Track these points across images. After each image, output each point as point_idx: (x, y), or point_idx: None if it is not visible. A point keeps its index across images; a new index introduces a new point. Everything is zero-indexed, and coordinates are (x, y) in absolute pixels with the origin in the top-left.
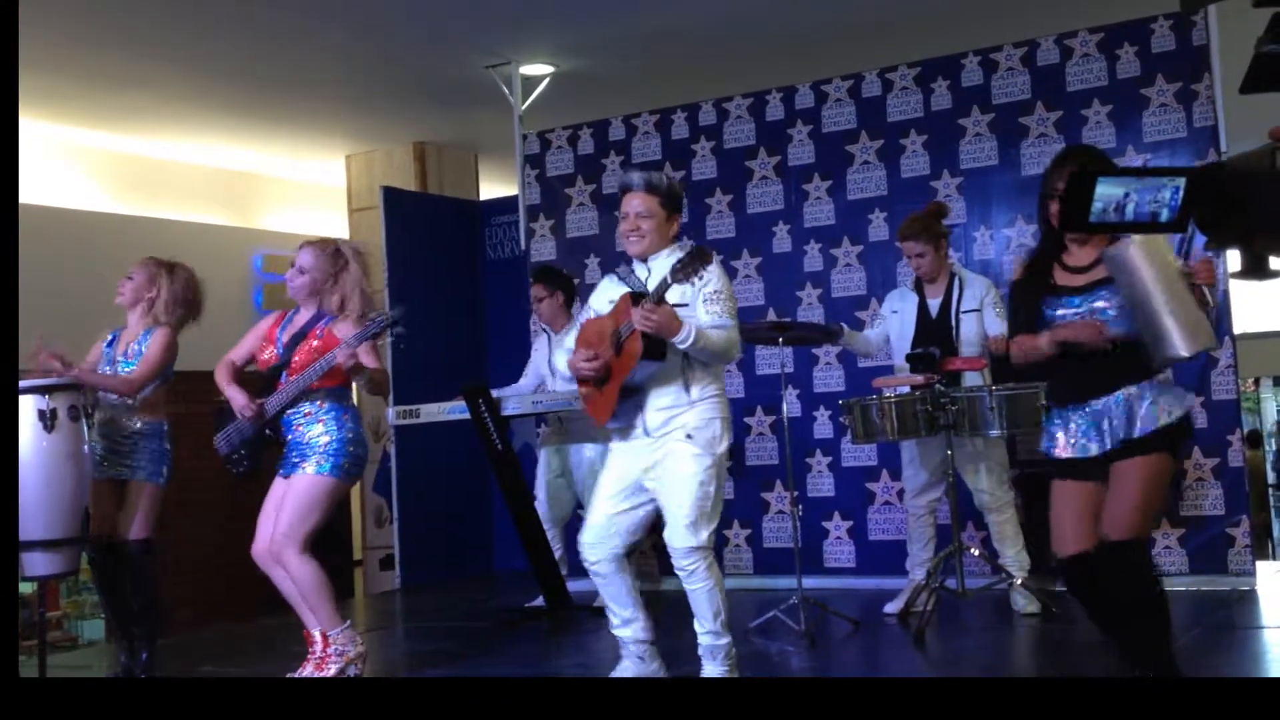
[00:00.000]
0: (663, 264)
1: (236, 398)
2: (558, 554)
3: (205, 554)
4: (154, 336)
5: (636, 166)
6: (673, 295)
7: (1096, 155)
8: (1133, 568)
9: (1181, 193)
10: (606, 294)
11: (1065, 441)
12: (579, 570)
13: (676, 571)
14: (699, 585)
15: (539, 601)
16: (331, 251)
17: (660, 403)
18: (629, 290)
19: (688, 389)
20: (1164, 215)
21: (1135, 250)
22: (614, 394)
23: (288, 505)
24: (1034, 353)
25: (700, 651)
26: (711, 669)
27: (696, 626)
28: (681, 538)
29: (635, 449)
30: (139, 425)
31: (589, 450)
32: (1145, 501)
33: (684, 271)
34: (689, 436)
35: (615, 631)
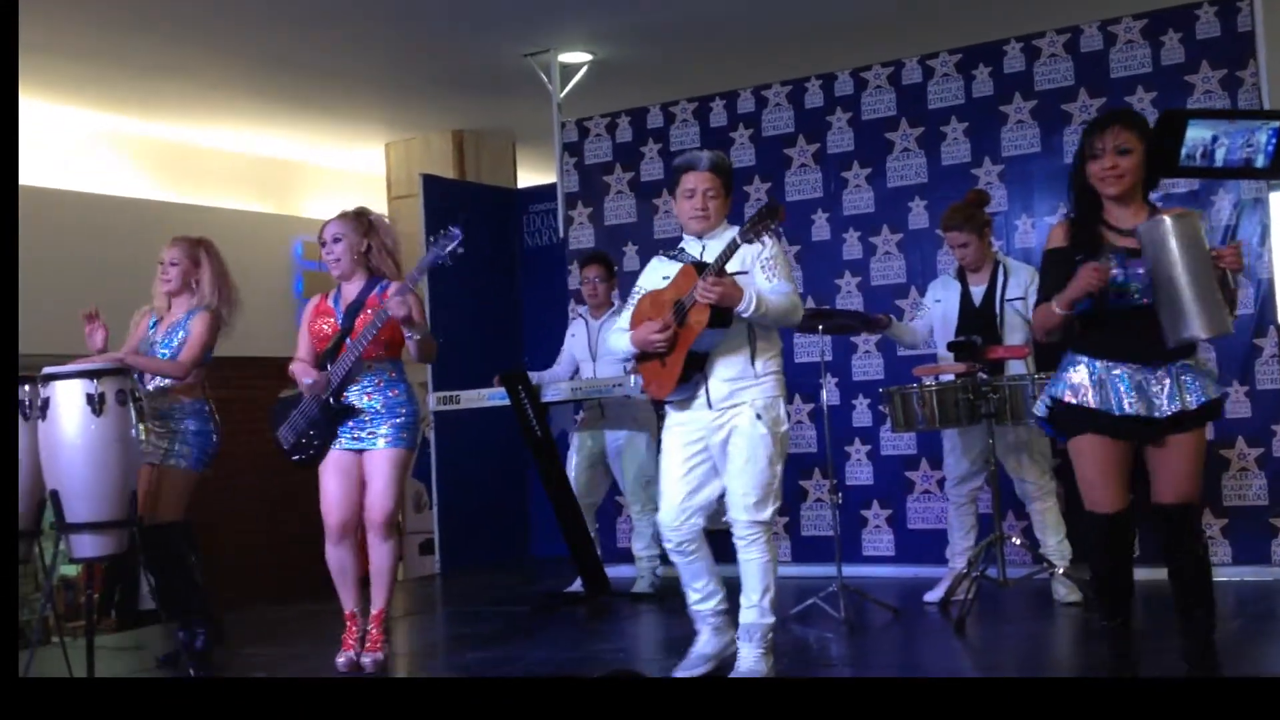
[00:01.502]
0: (717, 242)
1: (301, 369)
2: (594, 538)
3: (247, 537)
4: (197, 319)
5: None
6: (732, 264)
7: (1140, 118)
8: (1194, 532)
9: (1278, 137)
10: (659, 272)
11: (1092, 394)
12: (618, 556)
13: (735, 541)
14: (755, 556)
15: (577, 586)
16: (355, 215)
17: (725, 374)
18: (688, 263)
19: (753, 361)
20: (1259, 161)
21: (1169, 228)
22: (678, 366)
23: (384, 483)
24: (1051, 318)
25: (739, 631)
26: (747, 650)
27: (743, 600)
28: (744, 512)
29: (697, 420)
30: (178, 406)
31: (628, 436)
32: (1200, 471)
33: (755, 229)
34: (758, 416)
35: (695, 607)
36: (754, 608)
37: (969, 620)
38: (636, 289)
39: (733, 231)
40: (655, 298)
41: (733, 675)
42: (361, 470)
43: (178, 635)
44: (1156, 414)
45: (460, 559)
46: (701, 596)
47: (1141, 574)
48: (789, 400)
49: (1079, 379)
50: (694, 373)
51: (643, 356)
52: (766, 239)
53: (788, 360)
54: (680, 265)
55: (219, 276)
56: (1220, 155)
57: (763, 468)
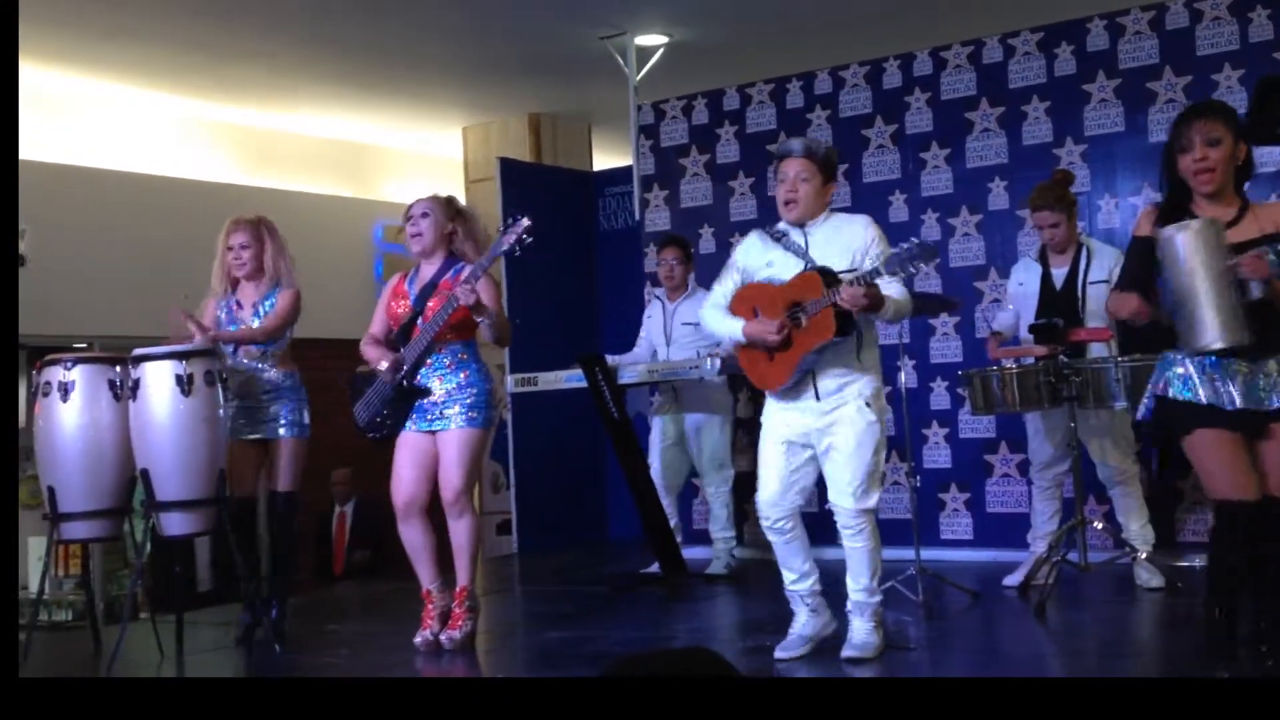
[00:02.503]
0: (822, 231)
1: (374, 354)
2: (672, 521)
3: (323, 517)
4: (283, 295)
5: (766, 143)
6: (832, 259)
7: (1229, 109)
8: None
9: None
10: (762, 255)
11: (1219, 390)
12: (694, 537)
13: (841, 530)
14: (861, 544)
15: (654, 568)
16: (446, 199)
17: (834, 369)
18: (813, 267)
19: (859, 355)
20: None
21: (1187, 236)
22: (793, 363)
23: (452, 462)
24: (1134, 310)
25: (849, 607)
26: (859, 624)
27: (851, 583)
28: (852, 500)
29: (802, 410)
30: (277, 377)
31: (703, 419)
32: None
33: (904, 266)
34: (867, 404)
35: (791, 588)
36: (863, 589)
37: (1049, 605)
38: (734, 263)
39: (836, 220)
40: (765, 291)
41: (845, 648)
42: (434, 451)
43: (242, 619)
44: (1267, 407)
45: (537, 539)
46: (798, 576)
47: None
48: None
49: (1187, 376)
50: (805, 375)
51: (743, 348)
52: (875, 231)
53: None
54: (786, 252)
55: (283, 252)
56: None
57: (869, 456)
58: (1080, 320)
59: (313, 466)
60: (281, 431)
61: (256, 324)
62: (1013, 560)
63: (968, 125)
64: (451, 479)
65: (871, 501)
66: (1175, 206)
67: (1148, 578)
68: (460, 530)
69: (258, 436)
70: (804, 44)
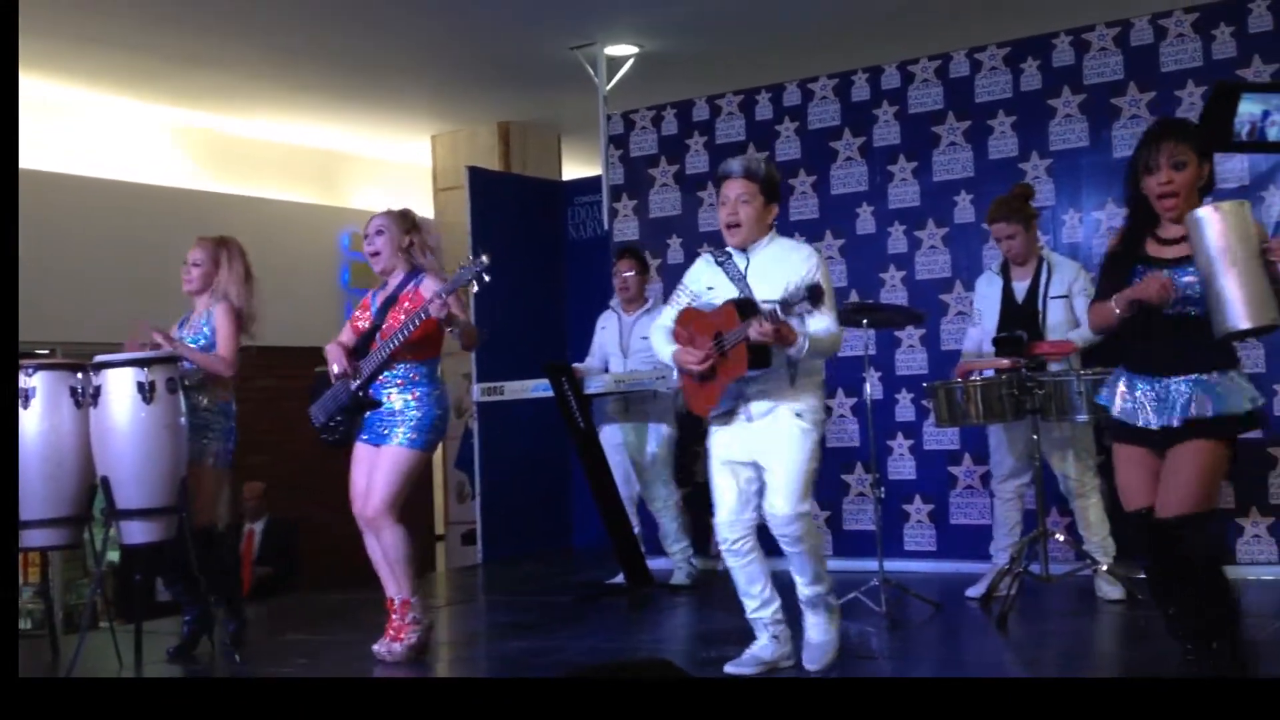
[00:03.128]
0: (763, 256)
1: (334, 352)
2: (636, 531)
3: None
4: (218, 313)
5: (735, 153)
6: (768, 288)
7: (1195, 129)
8: (1186, 548)
9: None
10: (705, 278)
11: (1121, 405)
12: (659, 548)
13: (778, 538)
14: (800, 548)
15: (620, 578)
16: (399, 213)
17: (767, 394)
18: (733, 300)
19: (792, 381)
20: None
21: (1215, 215)
22: (718, 392)
23: (380, 477)
24: (1108, 317)
25: (801, 603)
26: (813, 620)
27: (797, 580)
28: (786, 504)
29: (739, 432)
30: (209, 403)
31: (644, 428)
32: (1199, 486)
33: (791, 308)
34: (798, 415)
35: (753, 614)
36: (809, 583)
37: (1011, 616)
38: (683, 285)
39: (778, 246)
40: (698, 317)
41: (806, 647)
42: None
43: (183, 628)
44: (1165, 423)
45: (502, 549)
46: (759, 603)
47: None
48: (831, 395)
49: (1116, 391)
50: (734, 399)
51: (682, 370)
52: (815, 262)
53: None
54: (726, 277)
55: (241, 278)
56: (1273, 133)
57: (803, 460)
58: (1041, 334)
59: (281, 472)
60: (207, 459)
61: (192, 341)
62: (975, 572)
63: (934, 139)
64: (375, 494)
65: (805, 505)
66: (1139, 225)
67: (1108, 589)
68: (387, 544)
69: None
70: (773, 56)
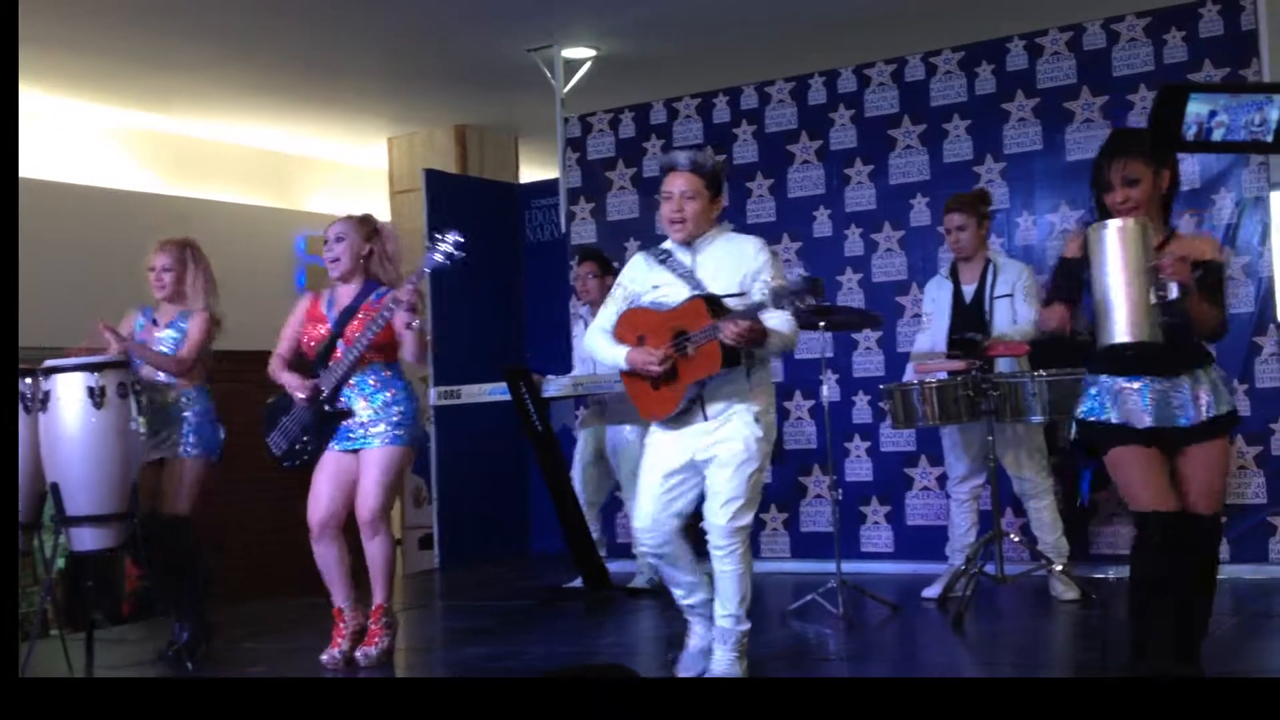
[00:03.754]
0: (710, 251)
1: (291, 380)
2: (595, 535)
3: (251, 532)
4: (195, 319)
5: (681, 149)
6: (720, 282)
7: (1130, 142)
8: (1215, 543)
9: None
10: (646, 277)
11: (1130, 410)
12: (617, 551)
13: (712, 551)
14: (731, 568)
15: (577, 583)
16: (361, 219)
17: (721, 390)
18: (700, 295)
19: (749, 375)
20: (1266, 136)
21: (1111, 232)
22: (679, 394)
23: (373, 480)
24: (1054, 319)
25: (715, 634)
26: (721, 653)
27: (718, 609)
28: (728, 517)
29: (689, 434)
30: (183, 394)
31: (627, 432)
32: (1223, 483)
33: (790, 300)
34: (755, 419)
35: (682, 603)
36: (730, 616)
37: (967, 616)
38: (620, 285)
39: (725, 240)
40: (651, 317)
41: (689, 655)
42: (355, 470)
43: (175, 629)
44: (1177, 423)
45: (460, 554)
46: (686, 590)
47: None
48: (788, 397)
49: (1100, 397)
50: (692, 402)
51: (628, 375)
52: (767, 254)
53: (788, 357)
54: (673, 275)
55: (207, 278)
56: (1218, 134)
57: (751, 472)
58: (988, 334)
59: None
60: (179, 450)
61: (160, 347)
62: (932, 572)
63: (891, 142)
64: (370, 499)
65: (745, 520)
66: None
67: (1063, 589)
68: (376, 549)
69: (156, 455)
70: (731, 60)
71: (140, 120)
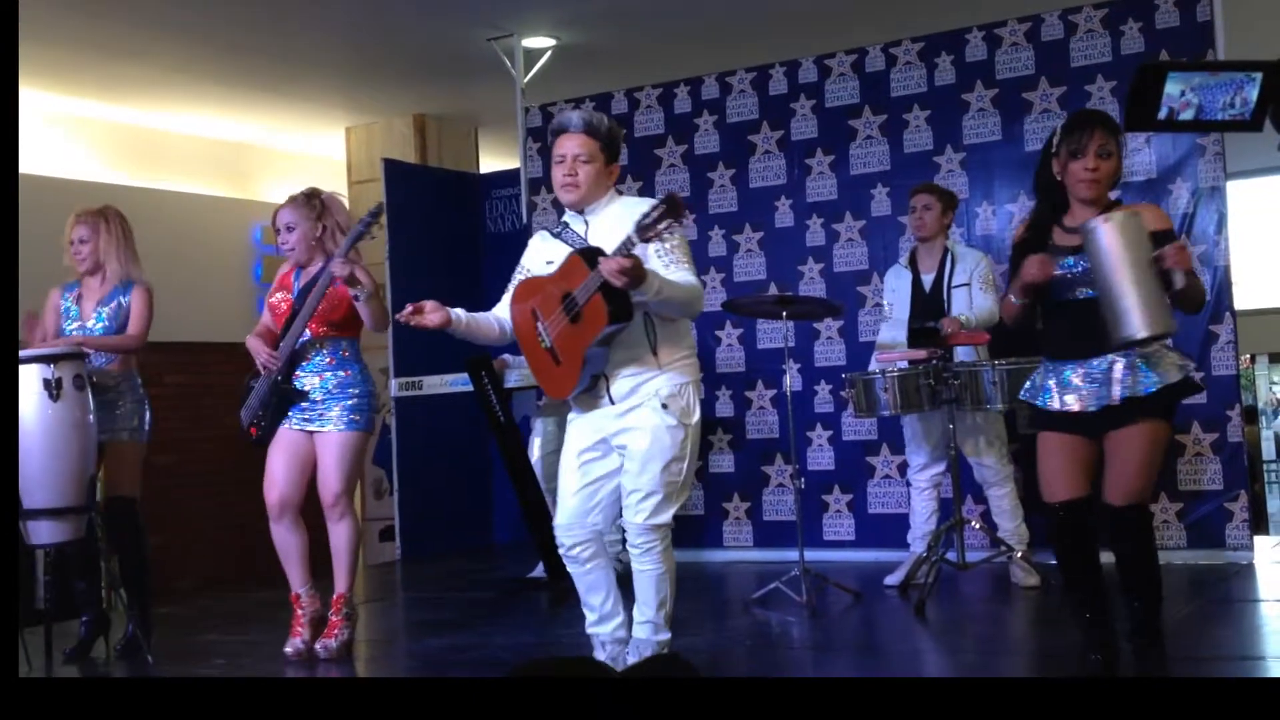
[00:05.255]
0: (604, 216)
1: (254, 345)
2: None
3: (204, 525)
4: (136, 293)
5: (654, 147)
6: (613, 247)
7: (1108, 117)
8: (1138, 533)
9: (1258, 89)
10: (542, 254)
11: (1060, 395)
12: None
13: (629, 549)
14: (650, 568)
15: (539, 572)
16: (305, 199)
17: (626, 369)
18: (575, 249)
19: (655, 352)
20: (1245, 115)
21: (1108, 226)
22: (577, 365)
23: (332, 465)
24: (1011, 308)
25: (629, 647)
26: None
27: (636, 614)
28: (642, 514)
29: (600, 418)
30: (119, 379)
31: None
32: (1149, 467)
33: (653, 228)
34: (664, 406)
35: (591, 629)
36: (648, 623)
37: (929, 603)
38: (520, 268)
39: (621, 204)
40: (539, 287)
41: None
42: (311, 451)
43: (128, 627)
44: (1098, 404)
45: (421, 545)
46: (598, 618)
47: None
48: (751, 386)
49: (1041, 383)
50: (589, 371)
51: (530, 352)
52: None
53: (750, 346)
54: (566, 245)
55: (128, 245)
56: (1187, 114)
57: (666, 464)
58: None
59: (191, 470)
60: (124, 435)
61: (98, 324)
62: (894, 560)
63: (851, 132)
64: (331, 483)
65: (663, 518)
66: (1045, 214)
67: (1023, 576)
68: (340, 535)
69: (104, 439)
70: (691, 49)
71: (93, 109)
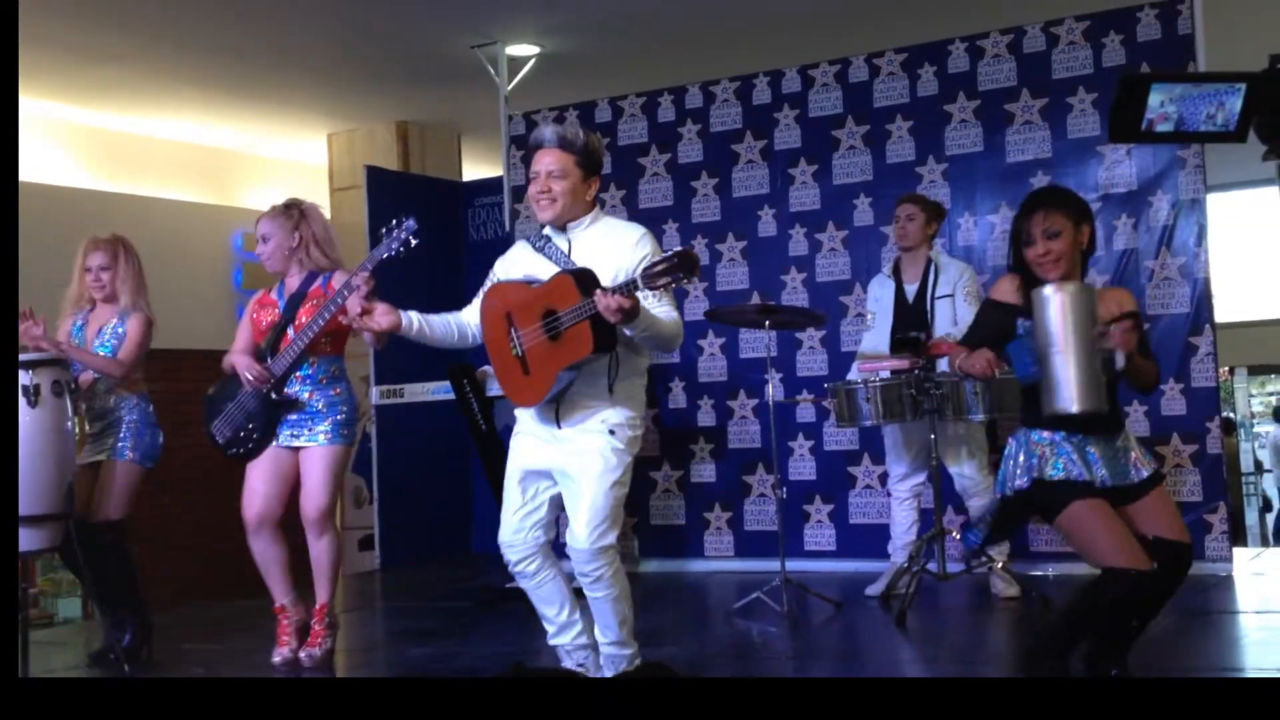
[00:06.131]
0: (587, 236)
1: (242, 362)
2: None
3: (183, 533)
4: (133, 321)
5: (637, 155)
6: (599, 269)
7: (1068, 195)
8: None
9: (1242, 100)
10: (521, 265)
11: (1086, 469)
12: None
13: (578, 577)
14: (603, 593)
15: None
16: (284, 210)
17: (582, 398)
18: (567, 270)
19: (612, 387)
20: (1230, 126)
21: (1058, 296)
22: (549, 380)
23: (317, 479)
24: (977, 366)
25: (601, 660)
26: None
27: (599, 635)
28: (591, 538)
29: (544, 437)
30: (120, 400)
31: None
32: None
33: (661, 278)
34: (611, 432)
35: (552, 641)
36: (613, 643)
37: (909, 614)
38: (492, 274)
39: (605, 226)
40: (521, 293)
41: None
42: (294, 467)
43: (111, 633)
44: (1132, 481)
45: (401, 554)
46: (557, 629)
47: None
48: (733, 396)
49: (1061, 453)
50: (560, 390)
51: (497, 353)
52: (650, 243)
53: (732, 355)
54: (548, 261)
55: (139, 276)
56: (1166, 126)
57: (610, 485)
58: (929, 333)
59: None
60: (114, 455)
61: (100, 350)
62: (875, 570)
63: (834, 142)
64: (317, 498)
65: (610, 539)
66: (1024, 284)
67: (1003, 586)
68: (323, 548)
69: (92, 459)
70: (675, 59)
71: (73, 114)
